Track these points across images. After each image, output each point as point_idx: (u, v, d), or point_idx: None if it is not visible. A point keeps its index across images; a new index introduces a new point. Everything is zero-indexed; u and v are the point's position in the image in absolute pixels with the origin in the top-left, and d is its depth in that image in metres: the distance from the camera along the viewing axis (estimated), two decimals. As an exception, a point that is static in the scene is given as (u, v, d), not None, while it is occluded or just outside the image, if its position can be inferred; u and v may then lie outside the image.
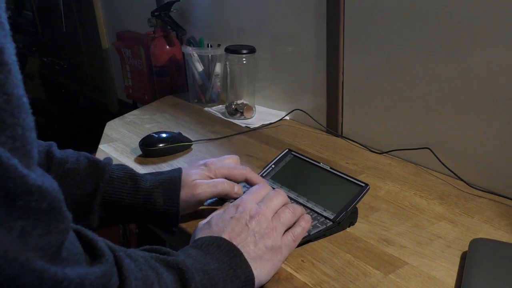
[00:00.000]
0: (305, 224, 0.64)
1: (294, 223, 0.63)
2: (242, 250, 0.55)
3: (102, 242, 0.41)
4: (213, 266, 0.52)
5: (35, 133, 0.36)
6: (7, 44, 0.34)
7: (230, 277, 0.52)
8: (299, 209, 0.65)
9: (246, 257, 0.55)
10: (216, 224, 0.59)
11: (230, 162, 0.76)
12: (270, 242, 0.58)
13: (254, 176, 0.73)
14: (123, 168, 0.69)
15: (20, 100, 0.34)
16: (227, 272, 0.52)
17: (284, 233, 0.61)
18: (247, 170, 0.74)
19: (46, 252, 0.34)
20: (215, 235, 0.57)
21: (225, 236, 0.57)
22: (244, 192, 0.76)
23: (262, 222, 0.59)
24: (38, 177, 0.34)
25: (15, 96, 0.33)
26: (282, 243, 0.60)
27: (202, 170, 0.71)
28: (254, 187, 0.66)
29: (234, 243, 0.56)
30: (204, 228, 0.60)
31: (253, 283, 0.55)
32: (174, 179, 0.68)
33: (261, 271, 0.56)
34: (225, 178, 0.72)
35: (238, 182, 0.73)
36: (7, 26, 0.34)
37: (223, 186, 0.70)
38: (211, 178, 0.71)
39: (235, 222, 0.58)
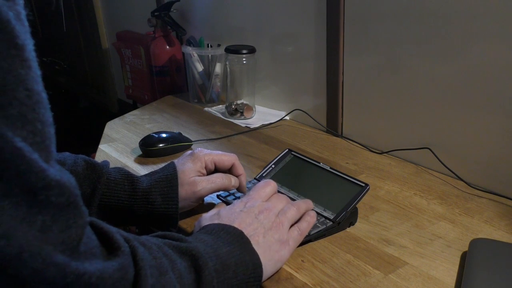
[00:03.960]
0: (311, 219, 0.65)
1: (300, 219, 0.65)
2: (251, 239, 0.56)
3: (117, 234, 0.42)
4: (225, 250, 0.53)
5: (53, 129, 0.36)
6: (27, 40, 0.34)
7: (241, 261, 0.53)
8: (303, 206, 0.66)
9: (255, 247, 0.56)
10: (225, 216, 0.60)
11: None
12: (277, 235, 0.59)
13: (239, 164, 0.75)
14: (120, 170, 0.70)
15: (39, 96, 0.35)
16: (238, 256, 0.53)
17: (290, 228, 0.63)
18: (235, 156, 0.76)
19: (67, 247, 0.35)
20: (224, 223, 0.58)
21: (235, 225, 0.58)
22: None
23: (270, 216, 0.60)
24: (57, 172, 0.35)
25: (35, 92, 0.34)
26: (288, 236, 0.61)
27: (193, 163, 0.72)
28: (259, 183, 0.67)
29: (244, 232, 0.57)
30: (213, 218, 0.60)
31: (261, 272, 0.55)
32: (170, 177, 0.68)
33: (268, 261, 0.57)
34: (215, 164, 0.73)
35: (226, 169, 0.74)
36: (26, 23, 0.35)
37: (222, 181, 0.72)
38: (204, 168, 0.72)
39: (245, 214, 0.60)
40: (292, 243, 0.61)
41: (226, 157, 0.74)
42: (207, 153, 0.74)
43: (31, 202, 0.33)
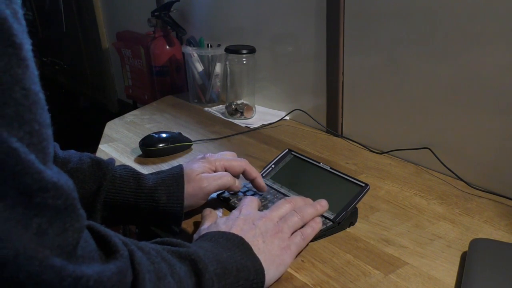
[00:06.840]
0: (316, 225, 0.64)
1: (305, 225, 0.64)
2: (251, 244, 0.56)
3: (115, 237, 0.41)
4: (226, 255, 0.52)
5: (51, 130, 0.36)
6: (24, 39, 0.34)
7: (242, 267, 0.52)
8: (310, 212, 0.65)
9: (255, 252, 0.55)
10: (223, 223, 0.60)
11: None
12: (277, 241, 0.59)
13: (251, 168, 0.75)
14: (126, 167, 0.70)
15: (37, 96, 0.34)
16: (239, 262, 0.53)
17: (292, 234, 0.62)
18: (245, 161, 0.76)
19: (63, 250, 0.34)
20: (223, 230, 0.58)
21: (234, 231, 0.57)
22: (243, 192, 0.77)
23: (268, 223, 0.60)
24: (54, 174, 0.34)
25: (32, 92, 0.34)
26: (290, 241, 0.60)
27: (203, 163, 0.72)
28: (276, 203, 0.66)
29: (244, 238, 0.56)
30: (211, 227, 0.60)
31: (264, 277, 0.54)
32: (176, 177, 0.68)
33: (270, 266, 0.56)
34: (225, 169, 0.74)
35: (236, 174, 0.75)
36: (23, 22, 0.34)
37: (227, 179, 0.72)
38: (213, 171, 0.73)
39: (242, 221, 0.59)
40: (294, 248, 0.60)
41: (237, 163, 0.74)
42: (218, 158, 0.74)
43: (27, 204, 0.32)
